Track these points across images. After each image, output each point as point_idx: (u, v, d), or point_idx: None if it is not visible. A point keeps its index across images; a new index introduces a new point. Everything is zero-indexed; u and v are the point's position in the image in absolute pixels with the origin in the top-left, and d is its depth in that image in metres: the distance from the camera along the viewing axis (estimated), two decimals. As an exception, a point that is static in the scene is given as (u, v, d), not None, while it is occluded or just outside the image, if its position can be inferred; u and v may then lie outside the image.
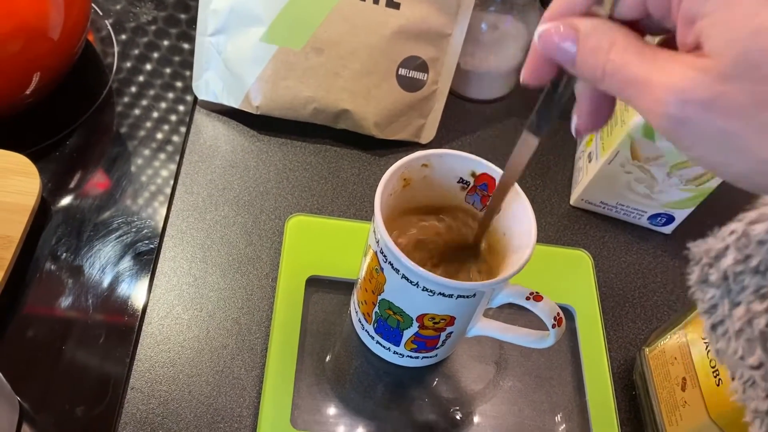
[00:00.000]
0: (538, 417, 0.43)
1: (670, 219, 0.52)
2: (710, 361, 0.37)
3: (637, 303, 0.50)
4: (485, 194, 0.39)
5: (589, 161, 0.52)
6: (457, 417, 0.42)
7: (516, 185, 0.37)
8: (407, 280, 0.34)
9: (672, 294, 0.51)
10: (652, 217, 0.53)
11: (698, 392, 0.38)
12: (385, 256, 0.35)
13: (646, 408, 0.43)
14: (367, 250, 0.38)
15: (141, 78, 0.54)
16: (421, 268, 0.33)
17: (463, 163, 0.38)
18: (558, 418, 0.43)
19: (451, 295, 0.34)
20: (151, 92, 0.53)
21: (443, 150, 0.37)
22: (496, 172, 0.37)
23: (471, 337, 0.43)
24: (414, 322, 0.37)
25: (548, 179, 0.55)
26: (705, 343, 0.38)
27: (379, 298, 0.38)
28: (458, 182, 0.39)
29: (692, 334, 0.39)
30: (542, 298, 0.35)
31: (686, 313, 0.41)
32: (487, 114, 0.58)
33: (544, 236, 0.52)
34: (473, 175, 0.38)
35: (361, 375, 0.43)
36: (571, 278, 0.49)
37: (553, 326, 0.35)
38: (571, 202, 0.54)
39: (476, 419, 0.42)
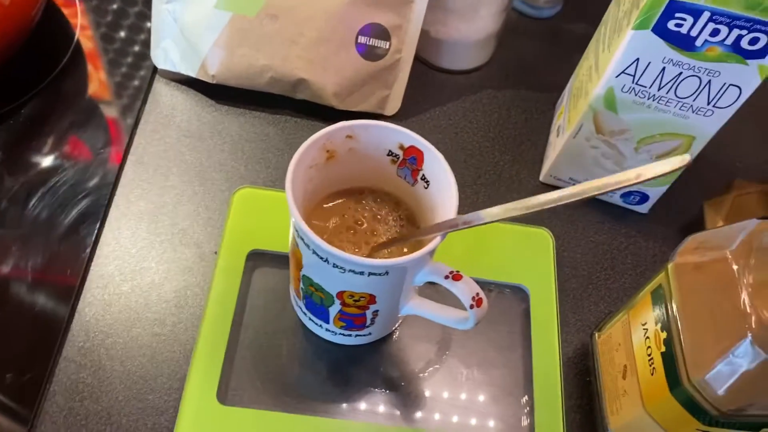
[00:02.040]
0: (480, 401, 0.41)
1: (645, 197, 0.49)
2: (647, 349, 0.35)
3: (602, 285, 0.48)
4: (415, 168, 0.37)
5: (557, 135, 0.50)
6: (395, 398, 0.41)
7: (441, 158, 0.35)
8: (318, 256, 0.33)
9: (642, 276, 0.48)
10: (625, 195, 0.50)
11: (636, 381, 0.36)
12: (297, 231, 0.34)
13: (596, 395, 0.41)
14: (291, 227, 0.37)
15: (103, 44, 0.53)
16: (326, 244, 0.32)
17: (390, 134, 0.36)
18: (501, 402, 0.41)
19: (362, 273, 0.33)
20: (111, 63, 0.52)
21: (368, 121, 0.36)
22: (422, 144, 0.35)
23: (413, 316, 0.42)
24: (335, 299, 0.36)
25: (519, 154, 0.53)
26: (644, 328, 0.36)
27: (301, 273, 0.36)
28: (388, 155, 0.37)
29: (634, 319, 0.37)
30: (461, 277, 0.34)
31: (633, 297, 0.38)
32: (461, 84, 0.56)
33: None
34: (401, 147, 0.36)
35: (299, 352, 0.42)
36: (529, 257, 0.46)
37: (471, 307, 0.34)
38: (540, 178, 0.52)
39: (414, 400, 0.41)
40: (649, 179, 0.27)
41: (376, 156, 0.37)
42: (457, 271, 0.34)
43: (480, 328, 0.43)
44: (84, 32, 0.54)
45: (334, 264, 0.33)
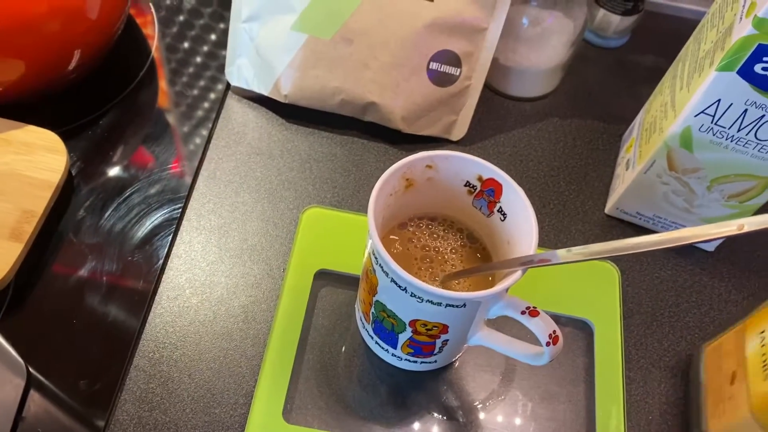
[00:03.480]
0: (541, 434, 0.41)
1: (712, 235, 0.49)
2: (762, 356, 0.35)
3: (665, 322, 0.47)
4: (492, 200, 0.37)
5: (627, 169, 0.49)
6: (456, 426, 0.41)
7: (521, 192, 0.35)
8: (396, 284, 0.33)
9: (707, 316, 0.48)
10: (692, 233, 0.49)
11: (744, 387, 0.36)
12: (376, 258, 0.34)
13: (693, 403, 0.42)
14: (365, 251, 0.37)
15: (178, 60, 0.55)
16: (407, 274, 0.32)
17: (470, 166, 0.36)
18: (563, 437, 0.41)
19: (439, 303, 0.33)
20: (187, 77, 0.54)
21: (448, 152, 0.36)
22: (502, 177, 0.36)
23: (477, 346, 0.42)
24: (407, 326, 0.36)
25: (585, 185, 0.53)
26: (761, 336, 0.36)
27: (374, 299, 0.37)
28: (465, 185, 0.38)
29: (751, 327, 0.38)
30: (538, 313, 0.34)
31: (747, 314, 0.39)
32: (527, 112, 0.56)
33: (573, 245, 0.49)
34: (480, 179, 0.37)
35: (361, 374, 0.42)
36: (594, 291, 0.46)
37: (548, 344, 0.34)
38: (606, 210, 0.51)
39: (474, 430, 0.41)
40: (752, 232, 0.27)
41: (453, 186, 0.38)
42: (534, 307, 0.34)
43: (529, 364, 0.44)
44: (159, 51, 0.55)
45: (411, 293, 0.33)
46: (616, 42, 0.60)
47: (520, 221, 0.35)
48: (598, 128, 0.56)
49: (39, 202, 0.43)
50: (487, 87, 0.56)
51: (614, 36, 0.60)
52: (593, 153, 0.54)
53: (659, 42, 0.61)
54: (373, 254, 0.34)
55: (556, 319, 0.45)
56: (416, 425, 0.41)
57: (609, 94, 0.58)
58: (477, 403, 0.42)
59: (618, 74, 0.59)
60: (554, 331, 0.33)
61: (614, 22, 0.58)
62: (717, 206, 0.46)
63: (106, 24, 0.49)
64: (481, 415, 0.42)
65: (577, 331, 0.45)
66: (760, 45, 0.36)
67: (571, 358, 0.44)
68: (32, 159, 0.44)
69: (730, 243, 0.50)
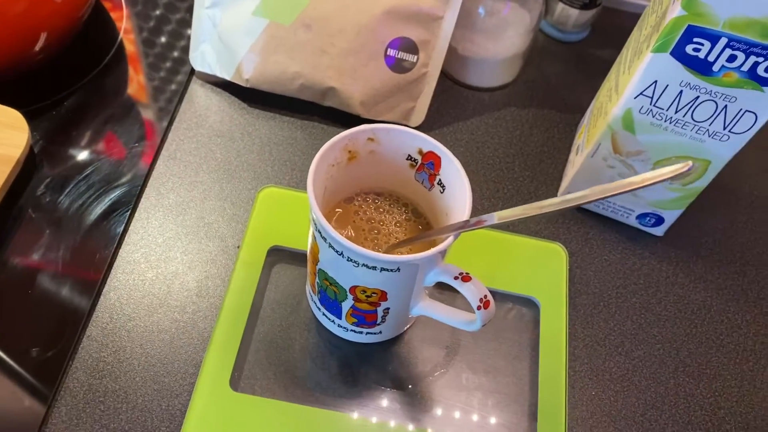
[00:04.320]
0: (484, 407, 0.42)
1: (660, 220, 0.50)
2: None
3: (612, 303, 0.48)
4: (432, 173, 0.38)
5: (576, 154, 0.51)
6: (401, 396, 0.42)
7: (457, 163, 0.36)
8: (334, 249, 0.34)
9: (653, 297, 0.49)
10: (641, 216, 0.50)
11: None
12: (315, 224, 0.35)
13: None
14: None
15: (145, 43, 0.56)
16: (342, 238, 0.33)
17: (410, 139, 0.38)
18: (505, 409, 0.42)
19: (374, 267, 0.34)
20: (153, 59, 0.55)
21: (389, 125, 0.37)
22: (440, 150, 0.37)
23: (424, 319, 0.43)
24: (348, 294, 0.37)
25: (539, 171, 0.54)
26: None
27: (317, 267, 0.38)
28: (407, 159, 0.39)
29: None
30: (471, 278, 0.35)
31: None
32: (485, 101, 0.58)
33: (524, 228, 0.51)
34: (420, 152, 0.38)
35: (311, 347, 0.43)
36: (541, 271, 0.47)
37: (479, 308, 0.35)
38: (558, 195, 0.53)
39: (420, 401, 0.42)
40: (652, 183, 0.28)
41: (395, 160, 0.39)
42: (467, 273, 0.35)
43: (489, 336, 0.45)
44: (128, 35, 0.57)
45: (348, 258, 0.34)
46: (576, 36, 0.62)
47: (456, 192, 0.36)
48: (554, 118, 0.57)
49: (-2, 176, 0.44)
50: (447, 77, 0.58)
51: (574, 30, 0.61)
52: (549, 141, 0.56)
53: (618, 36, 0.62)
54: (313, 221, 0.35)
55: (505, 297, 0.46)
56: (363, 396, 0.42)
57: (567, 86, 0.59)
58: (424, 375, 0.43)
59: (577, 67, 0.61)
60: (485, 296, 0.35)
61: (573, 16, 0.60)
62: (662, 189, 0.47)
63: (72, 8, 0.50)
64: (428, 387, 0.43)
65: (524, 309, 0.46)
66: (689, 26, 0.37)
67: (517, 334, 0.45)
68: (-7, 135, 0.46)
69: (677, 227, 0.51)
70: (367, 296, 0.37)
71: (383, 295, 0.37)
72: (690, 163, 0.27)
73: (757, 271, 0.50)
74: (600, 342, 0.46)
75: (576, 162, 0.50)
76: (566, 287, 0.47)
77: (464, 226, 0.34)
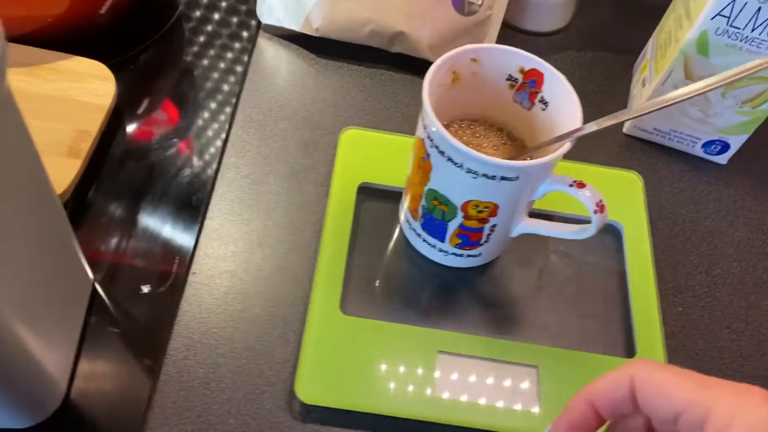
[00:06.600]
0: (581, 324, 0.44)
1: (725, 147, 0.52)
2: None
3: (688, 227, 0.50)
4: (533, 91, 0.40)
5: (643, 86, 0.52)
6: (498, 319, 0.43)
7: (563, 78, 0.38)
8: (452, 162, 0.36)
9: (724, 220, 0.51)
10: (707, 145, 0.52)
11: None
12: (431, 139, 0.36)
13: None
14: (415, 143, 0.39)
15: (211, 2, 0.57)
16: (465, 146, 0.34)
17: (512, 58, 0.39)
18: (601, 326, 0.44)
19: (494, 177, 0.35)
20: (217, 16, 0.56)
21: (492, 44, 0.39)
22: (545, 67, 0.38)
23: (516, 244, 0.44)
24: (459, 211, 0.38)
25: (603, 109, 0.55)
26: None
27: (426, 188, 0.39)
28: (507, 79, 0.40)
29: None
30: (585, 185, 0.36)
31: None
32: (543, 46, 0.59)
33: (597, 159, 0.52)
34: (522, 71, 0.39)
35: (407, 275, 0.45)
36: (621, 198, 0.49)
37: (595, 212, 0.36)
38: (624, 130, 0.54)
39: (517, 322, 0.43)
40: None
41: (496, 81, 0.40)
42: (580, 180, 0.37)
43: (577, 260, 0.46)
44: (190, -7, 0.57)
45: (468, 169, 0.35)
46: (621, -17, 0.64)
47: (562, 105, 0.38)
48: (611, 59, 0.59)
49: (93, 124, 0.45)
50: (505, 24, 0.59)
51: (619, -23, 0.63)
52: (608, 81, 0.57)
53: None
54: (429, 138, 0.37)
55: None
56: (460, 318, 0.43)
57: (619, 30, 0.61)
58: (517, 296, 0.44)
59: (627, 11, 0.62)
60: (600, 200, 0.36)
61: (620, -38, 0.61)
62: (730, 114, 0.49)
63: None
64: (522, 305, 0.44)
65: (607, 234, 0.48)
66: (773, -61, 0.39)
67: (602, 257, 0.47)
68: (83, 86, 0.46)
69: (740, 154, 0.53)
70: (479, 211, 0.38)
71: (494, 210, 0.38)
72: None
73: (822, 192, 0.52)
74: (680, 262, 0.48)
75: (644, 93, 0.52)
76: (646, 210, 0.48)
77: (580, 131, 0.35)
